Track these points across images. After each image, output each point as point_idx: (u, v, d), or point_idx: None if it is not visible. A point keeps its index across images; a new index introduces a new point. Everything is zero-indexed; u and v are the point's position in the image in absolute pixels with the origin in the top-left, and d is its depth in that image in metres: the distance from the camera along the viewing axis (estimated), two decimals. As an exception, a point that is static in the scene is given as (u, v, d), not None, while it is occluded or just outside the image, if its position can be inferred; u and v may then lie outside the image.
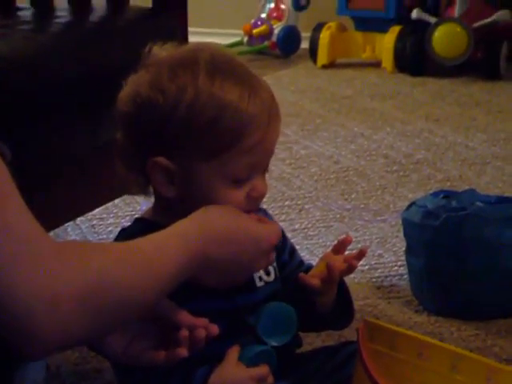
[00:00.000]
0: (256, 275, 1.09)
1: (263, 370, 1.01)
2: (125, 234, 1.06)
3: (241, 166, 1.00)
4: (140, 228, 1.05)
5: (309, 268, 1.15)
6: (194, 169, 1.00)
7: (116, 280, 0.82)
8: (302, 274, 1.09)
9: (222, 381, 1.00)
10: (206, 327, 0.95)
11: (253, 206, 1.03)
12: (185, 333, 0.94)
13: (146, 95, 1.00)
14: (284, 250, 1.16)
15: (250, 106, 0.99)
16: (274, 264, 1.11)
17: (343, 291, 1.13)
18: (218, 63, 1.01)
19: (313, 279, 1.07)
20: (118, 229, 1.86)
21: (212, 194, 1.00)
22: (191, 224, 0.95)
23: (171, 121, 0.98)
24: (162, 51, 1.04)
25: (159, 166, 1.00)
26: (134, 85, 1.02)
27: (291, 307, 1.06)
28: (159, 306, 0.95)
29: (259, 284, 1.09)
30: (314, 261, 1.23)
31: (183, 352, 0.94)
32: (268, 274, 1.10)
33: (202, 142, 0.99)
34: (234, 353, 1.01)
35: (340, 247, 1.11)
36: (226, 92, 0.98)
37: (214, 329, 0.96)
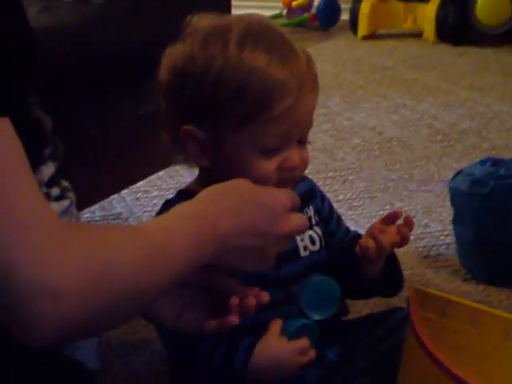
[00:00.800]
0: (301, 244, 1.09)
1: (304, 343, 1.01)
2: (168, 206, 1.06)
3: (270, 135, 0.99)
4: (183, 199, 1.05)
5: (356, 237, 1.15)
6: (222, 138, 1.00)
7: (121, 271, 0.77)
8: (360, 241, 1.08)
9: (265, 354, 1.00)
10: (256, 295, 0.95)
11: (287, 178, 1.02)
12: (236, 300, 0.94)
13: (180, 65, 1.01)
14: (331, 220, 1.16)
15: (277, 72, 0.97)
16: (320, 232, 1.11)
17: (392, 259, 1.12)
18: (252, 31, 1.00)
19: (369, 246, 1.06)
20: (162, 201, 1.89)
21: (242, 163, 1.00)
22: (196, 204, 0.90)
23: (200, 89, 0.99)
24: (201, 21, 1.04)
25: (190, 134, 1.01)
26: (170, 55, 1.03)
27: (334, 282, 1.05)
28: (210, 276, 0.95)
29: (304, 254, 1.09)
30: (360, 231, 1.22)
31: (234, 319, 0.93)
32: (313, 242, 1.10)
33: (229, 111, 0.98)
34: (276, 326, 1.02)
35: (390, 219, 1.09)
36: (255, 58, 0.97)
37: (265, 296, 0.95)
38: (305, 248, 1.09)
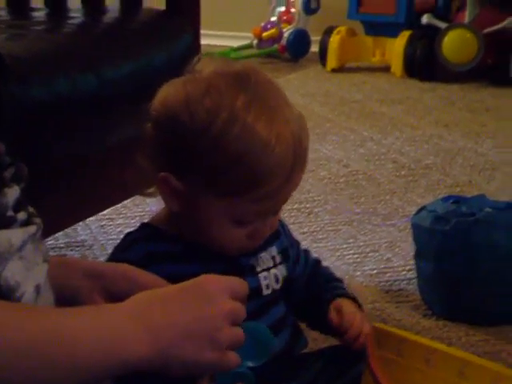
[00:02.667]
0: (264, 282, 1.08)
1: None
2: (130, 239, 1.06)
3: (249, 212, 0.98)
4: (145, 234, 1.06)
5: (314, 264, 1.18)
6: (201, 199, 0.98)
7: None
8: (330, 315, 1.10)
9: None
10: None
11: (253, 244, 1.03)
12: None
13: (177, 110, 0.96)
14: (298, 261, 1.16)
15: (274, 153, 0.94)
16: (284, 271, 1.11)
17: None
18: (258, 94, 0.96)
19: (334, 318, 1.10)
20: (127, 229, 1.88)
21: (211, 225, 1.00)
22: (135, 325, 0.82)
23: (194, 145, 0.95)
24: (207, 66, 0.99)
25: (167, 181, 0.99)
26: (168, 94, 0.98)
27: (267, 329, 1.00)
28: None
29: (266, 292, 1.08)
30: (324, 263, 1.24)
31: None
32: (277, 281, 1.10)
33: (216, 178, 0.96)
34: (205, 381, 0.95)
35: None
36: (257, 130, 0.94)
37: None
38: (267, 286, 1.09)
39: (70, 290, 0.97)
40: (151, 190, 1.05)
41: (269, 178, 0.95)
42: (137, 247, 1.04)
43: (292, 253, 1.15)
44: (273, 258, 1.10)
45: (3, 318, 0.75)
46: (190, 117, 0.95)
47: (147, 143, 1.02)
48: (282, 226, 1.15)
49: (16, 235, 0.84)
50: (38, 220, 0.90)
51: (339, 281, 1.20)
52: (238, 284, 0.90)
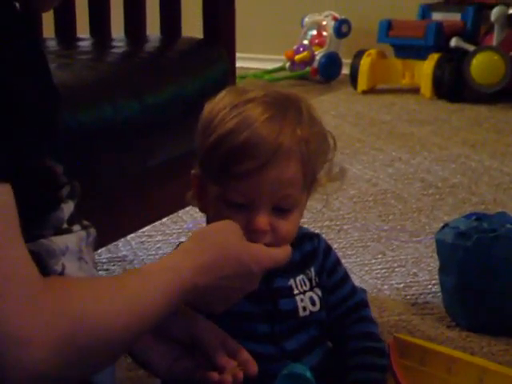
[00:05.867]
0: (300, 304, 1.11)
1: None
2: None
3: (236, 190, 1.02)
4: None
5: (357, 304, 1.18)
6: (206, 186, 1.07)
7: (96, 321, 0.80)
8: None
9: None
10: (245, 363, 1.01)
11: (251, 238, 1.02)
12: (215, 377, 0.99)
13: (204, 115, 1.07)
14: (334, 274, 1.17)
15: (261, 128, 1.00)
16: (320, 294, 1.13)
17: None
18: (271, 97, 1.04)
19: None
20: (165, 245, 1.96)
21: (216, 215, 1.05)
22: (183, 257, 0.93)
23: (202, 135, 1.05)
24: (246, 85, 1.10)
25: (194, 178, 1.09)
26: (207, 106, 1.08)
27: (310, 376, 1.04)
28: (201, 339, 1.02)
29: (303, 314, 1.11)
30: (353, 278, 1.27)
31: None
32: (313, 303, 1.12)
33: (207, 164, 1.05)
34: None
35: None
36: (250, 110, 1.02)
37: (253, 367, 1.01)
38: (304, 308, 1.11)
39: None
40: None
41: (249, 154, 1.00)
42: None
43: (327, 264, 1.16)
44: (310, 280, 1.13)
45: (96, 291, 0.83)
46: (208, 115, 1.05)
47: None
48: (319, 246, 1.17)
49: (71, 240, 0.93)
50: (91, 229, 1.00)
51: (372, 340, 1.16)
52: (279, 260, 1.02)
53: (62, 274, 0.90)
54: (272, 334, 1.09)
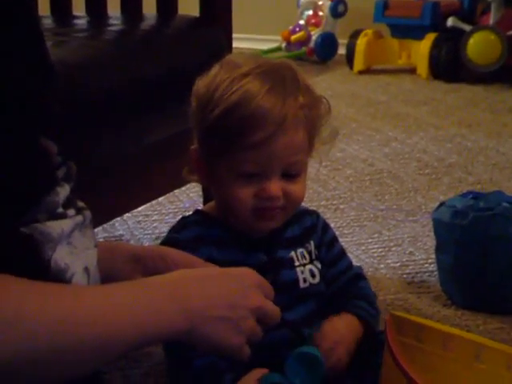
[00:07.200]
0: (301, 276, 1.15)
1: None
2: (183, 222, 1.17)
3: (246, 161, 1.05)
4: (196, 219, 1.16)
5: (356, 275, 1.22)
6: (211, 160, 1.09)
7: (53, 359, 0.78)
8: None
9: None
10: None
11: (265, 207, 1.07)
12: None
13: (200, 91, 1.09)
14: (332, 248, 1.22)
15: (263, 100, 1.03)
16: (319, 266, 1.17)
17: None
18: (265, 67, 1.06)
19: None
20: (162, 225, 1.95)
21: (222, 186, 1.08)
22: (171, 303, 0.89)
23: (202, 111, 1.07)
24: (234, 57, 1.12)
25: (194, 153, 1.11)
26: (197, 83, 1.11)
27: (320, 358, 1.07)
28: None
29: (303, 285, 1.15)
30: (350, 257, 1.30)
31: None
32: (313, 276, 1.16)
33: (212, 139, 1.07)
34: (257, 373, 1.04)
35: None
36: (251, 84, 1.04)
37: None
38: (304, 280, 1.15)
39: (114, 272, 1.06)
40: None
41: (256, 126, 1.03)
42: (188, 229, 1.14)
43: (324, 254, 1.20)
44: (309, 252, 1.17)
45: (44, 295, 0.80)
46: (205, 91, 1.07)
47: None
48: (317, 221, 1.21)
49: (67, 224, 0.91)
50: (86, 212, 0.99)
51: (368, 300, 1.22)
52: (270, 287, 0.99)
53: (50, 258, 0.89)
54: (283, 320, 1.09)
